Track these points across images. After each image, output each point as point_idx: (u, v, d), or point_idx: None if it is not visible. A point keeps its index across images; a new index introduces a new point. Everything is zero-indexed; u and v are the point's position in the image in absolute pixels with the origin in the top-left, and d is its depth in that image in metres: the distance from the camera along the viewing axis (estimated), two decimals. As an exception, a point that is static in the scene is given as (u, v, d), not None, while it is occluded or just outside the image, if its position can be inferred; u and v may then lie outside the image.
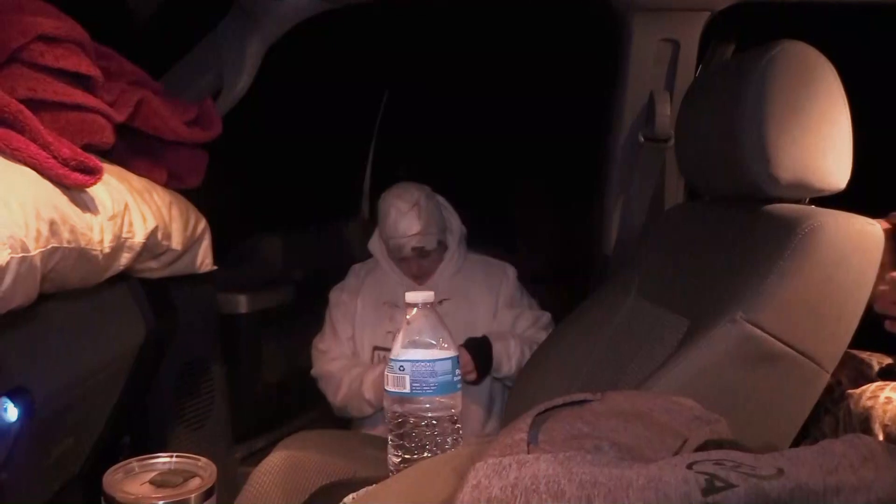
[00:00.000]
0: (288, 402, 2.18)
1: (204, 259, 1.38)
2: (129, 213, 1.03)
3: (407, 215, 1.70)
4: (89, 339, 1.05)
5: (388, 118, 2.85)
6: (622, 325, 1.33)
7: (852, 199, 1.09)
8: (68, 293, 0.96)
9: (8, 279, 0.73)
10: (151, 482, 0.66)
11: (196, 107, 1.40)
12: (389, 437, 0.88)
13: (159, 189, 1.22)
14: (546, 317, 1.79)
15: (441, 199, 1.83)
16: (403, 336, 0.88)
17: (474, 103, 2.71)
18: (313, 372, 1.82)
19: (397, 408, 0.86)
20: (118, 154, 1.16)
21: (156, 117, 1.24)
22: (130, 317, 1.20)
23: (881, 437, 1.09)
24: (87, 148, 0.98)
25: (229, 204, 2.03)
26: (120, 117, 1.12)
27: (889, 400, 1.13)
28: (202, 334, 1.56)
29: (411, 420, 0.85)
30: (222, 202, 1.65)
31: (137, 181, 1.15)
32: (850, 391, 1.20)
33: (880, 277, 1.05)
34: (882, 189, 1.20)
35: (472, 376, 1.62)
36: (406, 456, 0.86)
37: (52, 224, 0.81)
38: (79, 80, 1.03)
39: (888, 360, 1.28)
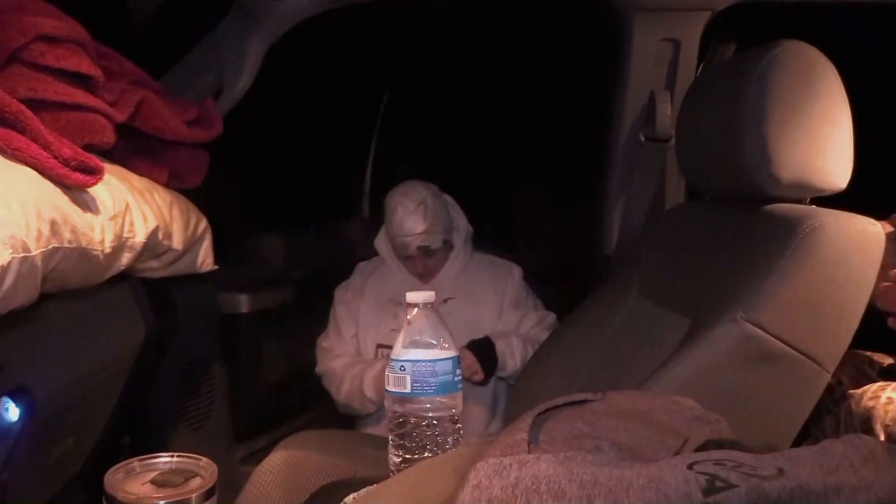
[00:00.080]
0: (288, 401, 2.18)
1: (205, 259, 1.38)
2: (129, 212, 1.03)
3: (413, 213, 1.69)
4: (90, 339, 1.05)
5: (389, 118, 2.85)
6: (623, 324, 1.33)
7: (853, 198, 1.09)
8: (69, 293, 0.96)
9: (9, 279, 0.73)
10: (152, 482, 0.66)
11: (197, 107, 1.40)
12: (390, 437, 0.88)
13: (160, 189, 1.22)
14: (551, 317, 1.79)
15: (448, 198, 1.83)
16: (404, 336, 0.88)
17: (475, 103, 2.71)
18: (317, 370, 1.82)
19: (398, 408, 0.86)
20: (119, 154, 1.16)
21: (156, 117, 1.24)
22: (131, 316, 1.20)
23: (882, 437, 1.09)
24: (87, 148, 0.98)
25: (230, 204, 2.03)
26: (121, 117, 1.12)
27: (890, 400, 1.13)
28: (203, 334, 1.56)
29: (412, 420, 0.85)
30: (223, 202, 1.65)
31: (138, 181, 1.15)
32: (851, 391, 1.20)
33: (881, 278, 1.05)
34: (883, 189, 1.20)
35: (479, 376, 1.62)
36: (407, 456, 0.86)
37: (53, 224, 0.82)
38: (80, 80, 1.03)
39: (889, 360, 1.28)
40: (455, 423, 0.87)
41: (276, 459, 1.42)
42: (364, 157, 2.86)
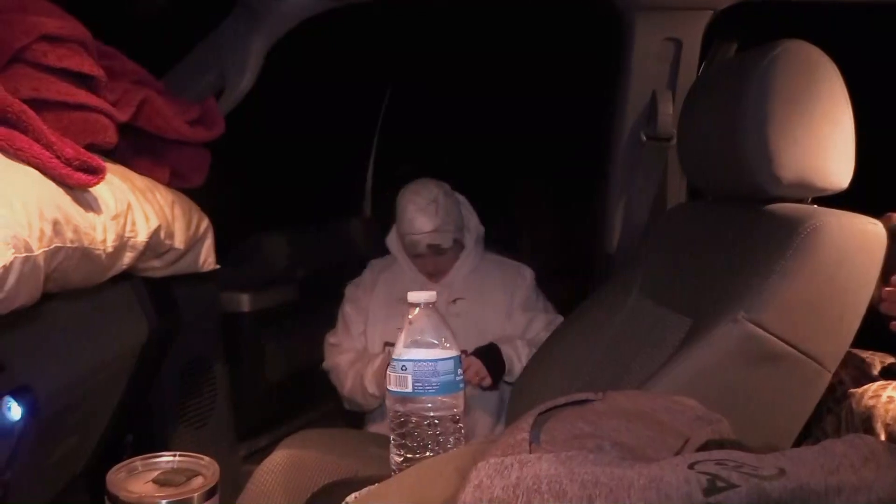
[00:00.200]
0: (290, 400, 2.18)
1: (206, 258, 1.38)
2: (131, 212, 1.04)
3: (424, 212, 1.69)
4: (92, 338, 1.05)
5: (391, 117, 2.85)
6: (624, 324, 1.33)
7: (855, 198, 1.09)
8: (71, 292, 0.96)
9: (11, 279, 0.74)
10: (154, 481, 0.66)
11: (198, 106, 1.40)
12: (392, 437, 0.88)
13: (162, 188, 1.23)
14: (559, 320, 1.79)
15: (460, 197, 1.82)
16: (406, 336, 0.88)
17: (476, 102, 2.71)
18: (324, 365, 1.83)
19: (399, 407, 0.86)
20: (121, 153, 1.17)
21: (158, 117, 1.24)
22: (133, 316, 1.20)
23: (883, 437, 1.09)
24: (90, 147, 0.98)
25: (232, 203, 2.03)
26: (123, 117, 1.12)
27: (891, 399, 1.13)
28: (205, 333, 1.56)
29: (413, 419, 0.86)
30: (225, 201, 1.65)
31: (140, 180, 1.15)
32: (851, 391, 1.20)
33: (883, 280, 1.05)
34: (884, 189, 1.20)
35: (488, 381, 1.62)
36: (408, 455, 0.86)
37: (55, 224, 0.82)
38: (82, 80, 1.03)
39: (890, 360, 1.28)
40: (456, 422, 0.87)
41: (278, 458, 1.43)
42: (366, 157, 2.86)
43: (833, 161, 1.07)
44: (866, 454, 0.50)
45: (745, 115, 1.06)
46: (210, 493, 0.65)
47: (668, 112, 1.59)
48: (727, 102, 1.12)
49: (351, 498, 0.74)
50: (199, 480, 0.66)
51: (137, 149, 1.24)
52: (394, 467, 0.88)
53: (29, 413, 0.85)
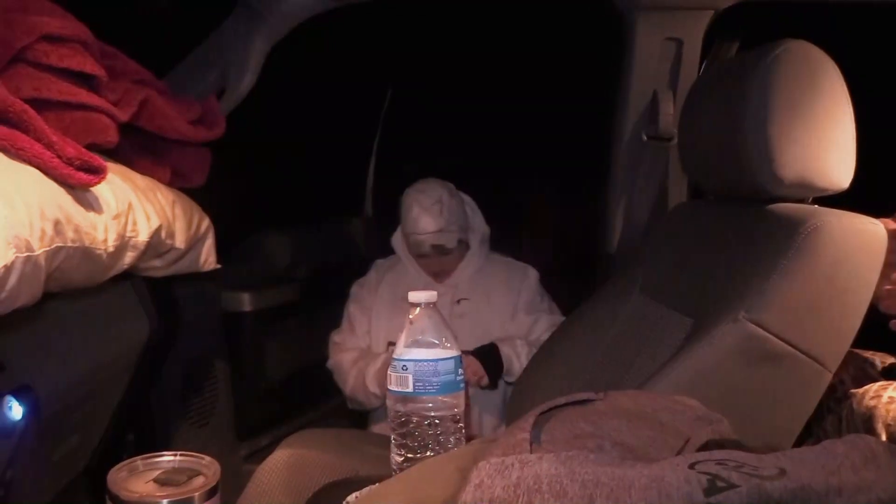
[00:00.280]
0: (291, 399, 2.18)
1: (208, 257, 1.38)
2: (133, 212, 1.04)
3: (428, 212, 1.69)
4: (94, 338, 1.06)
5: (392, 116, 2.85)
6: (625, 323, 1.33)
7: (855, 198, 1.09)
8: (73, 292, 0.96)
9: (13, 278, 0.74)
10: (155, 480, 0.66)
11: (200, 105, 1.40)
12: (392, 437, 0.88)
13: (163, 188, 1.23)
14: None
15: (466, 197, 1.82)
16: (406, 336, 0.88)
17: (478, 102, 2.71)
18: (328, 364, 1.83)
19: (400, 407, 0.86)
20: (122, 153, 1.17)
21: (160, 116, 1.24)
22: (134, 315, 1.20)
23: (884, 437, 1.09)
24: (91, 147, 0.98)
25: (233, 202, 2.03)
26: (124, 116, 1.12)
27: (892, 399, 1.13)
28: (206, 332, 1.56)
29: (414, 419, 0.86)
30: (226, 200, 1.65)
31: (141, 180, 1.15)
32: (852, 391, 1.20)
33: (884, 277, 1.05)
34: (885, 188, 1.20)
35: (485, 381, 1.62)
36: (409, 455, 0.86)
37: (56, 223, 0.82)
38: (83, 80, 1.03)
39: (891, 360, 1.28)
40: (457, 422, 0.87)
41: (279, 458, 1.43)
42: (367, 156, 2.86)
43: (834, 161, 1.07)
44: (867, 455, 0.50)
45: (747, 115, 1.06)
46: (211, 493, 0.65)
47: (670, 112, 1.59)
48: (728, 102, 1.12)
49: (352, 497, 0.74)
50: (200, 480, 0.66)
51: (138, 148, 1.24)
52: (394, 467, 0.88)
53: (30, 412, 0.85)
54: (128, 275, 1.13)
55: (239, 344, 1.91)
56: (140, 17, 1.68)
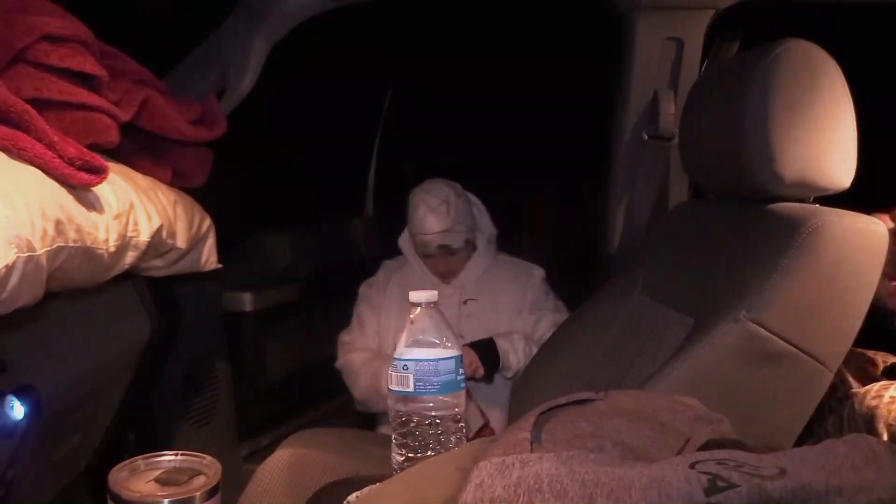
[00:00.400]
0: (292, 399, 2.19)
1: (209, 257, 1.38)
2: (134, 211, 1.04)
3: (435, 212, 1.68)
4: (95, 338, 1.06)
5: (392, 116, 2.85)
6: (626, 323, 1.33)
7: (856, 198, 1.09)
8: (74, 292, 0.96)
9: (14, 278, 0.74)
10: (156, 480, 0.66)
11: (200, 106, 1.40)
12: (393, 436, 0.88)
13: (164, 188, 1.23)
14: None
15: (473, 197, 1.82)
16: (407, 335, 0.88)
17: (478, 102, 2.71)
18: (336, 364, 1.82)
19: (401, 407, 0.86)
20: (123, 153, 1.17)
21: (160, 116, 1.24)
22: (135, 315, 1.20)
23: (885, 437, 1.09)
24: (92, 147, 0.98)
25: (234, 202, 2.03)
26: (125, 116, 1.12)
27: (893, 399, 1.13)
28: (207, 332, 1.56)
29: (415, 419, 0.86)
30: (227, 200, 1.65)
31: (142, 180, 1.15)
32: (854, 390, 1.20)
33: (885, 276, 1.05)
34: (886, 188, 1.20)
35: (480, 372, 1.62)
36: (409, 455, 0.86)
37: (57, 223, 0.82)
38: (84, 80, 1.04)
39: (892, 359, 1.28)
40: (458, 422, 0.87)
41: (280, 458, 1.43)
42: (367, 156, 2.86)
43: (835, 160, 1.07)
44: (868, 454, 0.50)
45: (747, 115, 1.06)
46: (212, 493, 0.65)
47: (670, 111, 1.59)
48: (729, 102, 1.11)
49: (352, 497, 0.74)
50: (200, 480, 0.66)
51: (139, 148, 1.24)
52: (395, 467, 0.88)
53: (31, 412, 0.85)
54: (129, 274, 1.13)
55: (239, 344, 1.91)
56: (140, 17, 1.68)
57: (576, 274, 2.17)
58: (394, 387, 0.87)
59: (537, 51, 2.44)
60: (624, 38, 1.63)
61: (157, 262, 1.21)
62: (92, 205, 0.93)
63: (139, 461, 0.69)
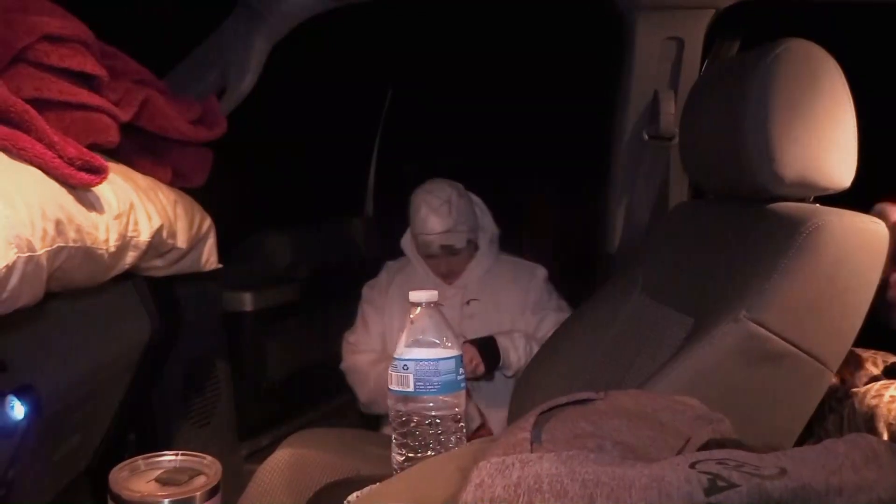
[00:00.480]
0: (292, 399, 2.19)
1: (209, 257, 1.38)
2: (134, 211, 1.04)
3: (437, 212, 1.68)
4: (95, 338, 1.06)
5: (392, 116, 2.85)
6: (626, 322, 1.33)
7: (857, 197, 1.09)
8: (74, 292, 0.97)
9: (14, 278, 0.74)
10: (157, 480, 0.66)
11: (200, 106, 1.40)
12: (393, 436, 0.88)
13: (164, 188, 1.23)
14: None
15: (475, 197, 1.82)
16: (407, 335, 0.88)
17: (478, 102, 2.71)
18: (342, 365, 1.81)
19: (401, 406, 0.86)
20: (123, 153, 1.17)
21: (161, 116, 1.24)
22: (136, 315, 1.20)
23: (886, 436, 1.09)
24: (92, 147, 0.98)
25: (234, 202, 2.03)
26: (125, 116, 1.12)
27: (894, 399, 1.13)
28: (207, 332, 1.56)
29: (415, 419, 0.86)
30: (227, 200, 1.65)
31: (143, 180, 1.15)
32: (854, 390, 1.20)
33: (888, 268, 1.05)
34: (886, 188, 1.20)
35: (481, 368, 1.62)
36: (410, 455, 0.86)
37: (58, 223, 0.82)
38: (84, 80, 1.04)
39: (892, 359, 1.28)
40: (458, 421, 0.87)
41: (280, 457, 1.43)
42: (368, 156, 2.87)
43: (835, 160, 1.07)
44: (868, 454, 0.50)
45: (747, 114, 1.06)
46: (212, 493, 0.65)
47: (671, 111, 1.59)
48: (729, 101, 1.11)
49: (352, 497, 0.74)
50: (201, 479, 0.66)
51: (139, 148, 1.24)
52: (395, 467, 0.88)
53: (32, 412, 0.85)
54: (129, 274, 1.13)
55: (240, 344, 1.91)
56: (140, 17, 1.68)
57: (576, 274, 2.17)
58: (394, 387, 0.87)
59: (537, 51, 2.44)
60: (624, 38, 1.63)
61: (158, 262, 1.21)
62: (92, 205, 0.93)
63: (139, 461, 0.68)
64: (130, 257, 1.06)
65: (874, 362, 1.28)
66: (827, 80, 1.06)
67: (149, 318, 1.22)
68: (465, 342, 1.62)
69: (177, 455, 0.69)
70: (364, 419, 1.95)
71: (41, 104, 0.93)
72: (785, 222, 1.03)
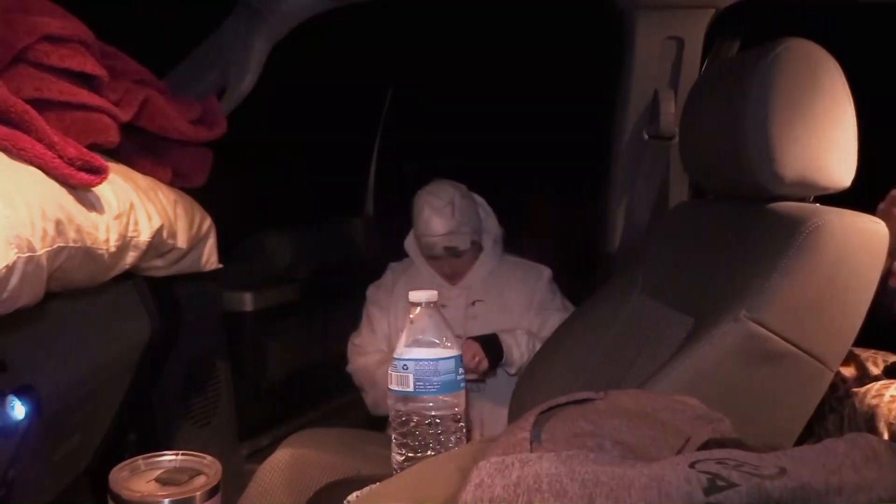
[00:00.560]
0: (292, 399, 2.19)
1: (209, 257, 1.38)
2: (134, 211, 1.04)
3: (440, 213, 1.68)
4: (95, 338, 1.06)
5: (392, 116, 2.85)
6: (626, 322, 1.33)
7: (857, 197, 1.09)
8: (74, 292, 0.97)
9: (14, 278, 0.74)
10: (157, 480, 0.66)
11: (200, 105, 1.40)
12: (393, 436, 0.88)
13: (164, 188, 1.23)
14: None
15: (479, 198, 1.81)
16: (407, 335, 0.88)
17: (478, 102, 2.71)
18: (348, 367, 1.81)
19: (401, 406, 0.87)
20: (123, 153, 1.17)
21: (161, 116, 1.24)
22: (136, 315, 1.20)
23: (886, 436, 1.09)
24: (92, 147, 0.98)
25: (234, 202, 2.03)
26: (125, 116, 1.12)
27: (894, 399, 1.13)
28: (207, 332, 1.57)
29: (415, 419, 0.86)
30: (227, 200, 1.65)
31: (143, 180, 1.15)
32: (854, 389, 1.20)
33: (889, 262, 1.05)
34: (886, 187, 1.20)
35: (484, 364, 1.61)
36: (410, 454, 0.86)
37: (58, 223, 0.82)
38: (84, 80, 1.04)
39: (892, 359, 1.28)
40: (458, 421, 0.87)
41: (280, 457, 1.43)
42: (367, 156, 2.87)
43: (835, 160, 1.07)
44: (868, 454, 0.50)
45: (747, 114, 1.06)
46: (212, 493, 0.65)
47: (671, 111, 1.59)
48: (729, 101, 1.11)
49: (352, 497, 0.74)
50: (201, 479, 0.66)
51: (139, 148, 1.24)
52: (395, 467, 0.88)
53: (32, 412, 0.85)
54: (129, 275, 1.13)
55: (240, 344, 1.91)
56: (140, 17, 1.68)
57: (576, 274, 2.17)
58: (394, 386, 0.87)
59: (537, 51, 2.44)
60: (624, 38, 1.63)
61: (158, 262, 1.21)
62: (92, 205, 0.93)
63: (139, 461, 0.69)
64: (130, 257, 1.06)
65: (874, 362, 1.28)
66: (827, 80, 1.06)
67: (149, 318, 1.22)
68: (468, 339, 1.62)
69: (177, 455, 0.70)
70: (369, 420, 1.94)
71: (41, 104, 0.93)
72: (785, 222, 1.03)
